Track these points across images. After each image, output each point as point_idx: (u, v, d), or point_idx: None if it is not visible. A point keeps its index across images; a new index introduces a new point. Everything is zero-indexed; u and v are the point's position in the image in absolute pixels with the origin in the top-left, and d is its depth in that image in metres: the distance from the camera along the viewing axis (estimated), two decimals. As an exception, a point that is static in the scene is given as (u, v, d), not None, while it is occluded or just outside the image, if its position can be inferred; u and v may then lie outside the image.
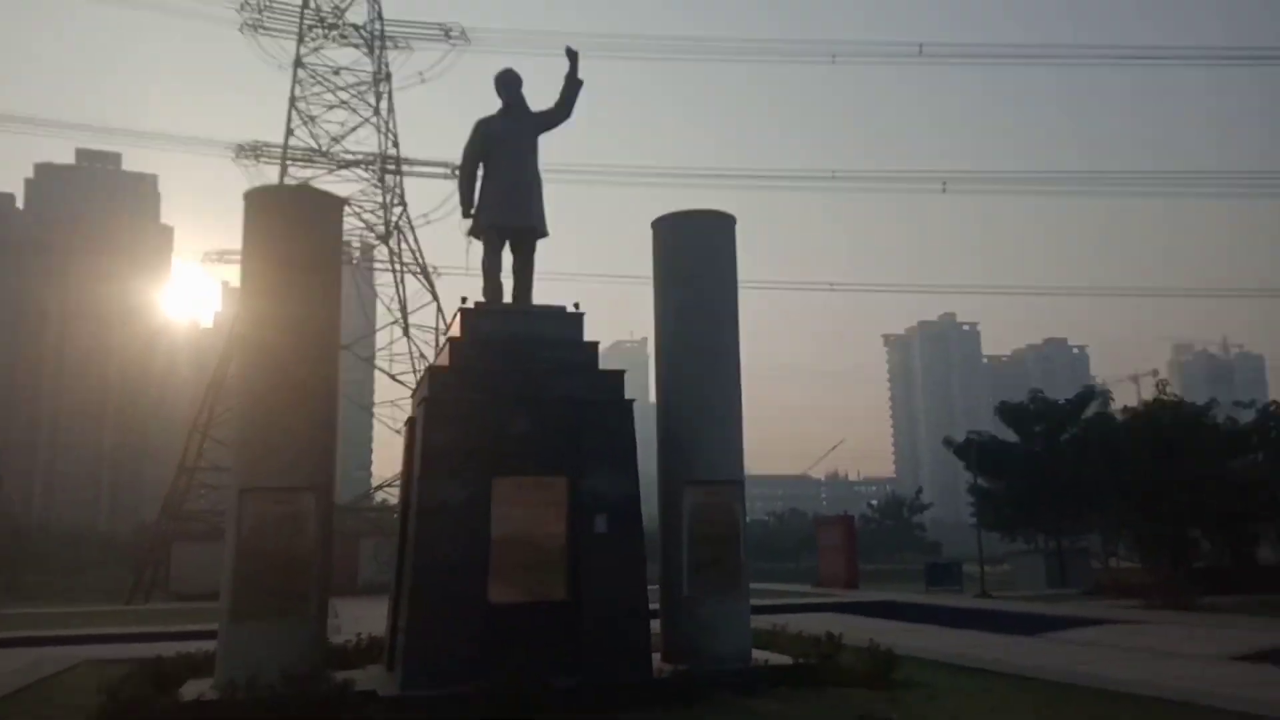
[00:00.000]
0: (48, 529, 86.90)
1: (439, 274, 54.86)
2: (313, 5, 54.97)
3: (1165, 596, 25.00)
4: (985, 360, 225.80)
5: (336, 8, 55.17)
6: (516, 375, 12.16)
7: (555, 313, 12.92)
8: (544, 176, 13.65)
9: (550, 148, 14.56)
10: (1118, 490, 31.36)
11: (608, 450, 12.12)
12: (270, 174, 52.49)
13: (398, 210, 53.46)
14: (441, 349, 13.28)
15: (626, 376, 12.78)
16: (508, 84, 13.78)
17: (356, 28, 55.30)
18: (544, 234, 13.63)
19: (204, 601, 29.13)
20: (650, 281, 14.03)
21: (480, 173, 13.66)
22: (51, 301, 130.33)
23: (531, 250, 13.62)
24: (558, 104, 13.82)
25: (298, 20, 54.80)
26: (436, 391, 11.80)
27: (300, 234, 12.30)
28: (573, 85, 13.81)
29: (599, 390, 12.45)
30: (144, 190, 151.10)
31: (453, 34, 56.57)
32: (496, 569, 11.45)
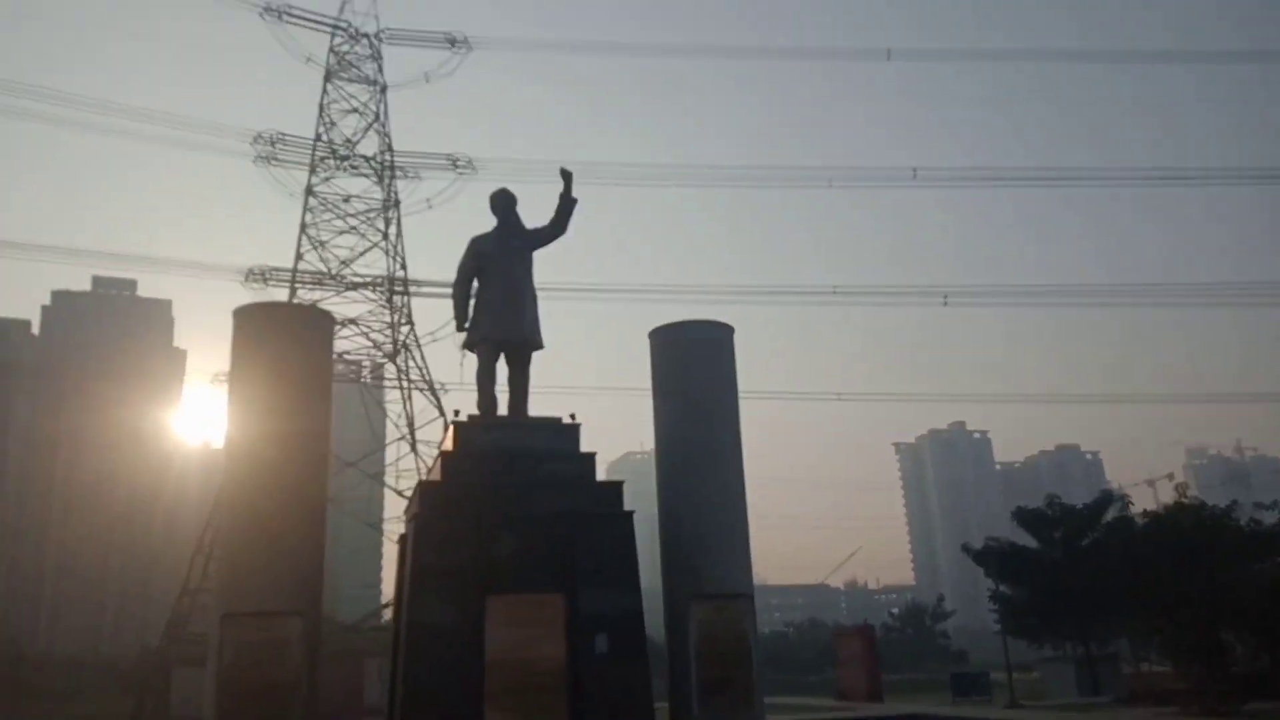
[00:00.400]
0: (51, 655, 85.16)
1: (445, 390, 54.81)
2: (325, 139, 56.55)
3: (1203, 703, 23.90)
4: (998, 467, 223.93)
5: (348, 141, 56.72)
6: (509, 490, 11.80)
7: (550, 424, 12.64)
8: (551, 292, 13.61)
9: (555, 263, 14.55)
10: (1140, 596, 30.37)
11: (607, 565, 11.66)
12: (279, 296, 53.03)
13: (405, 329, 53.73)
14: (434, 464, 12.97)
15: (637, 489, 12.42)
16: (503, 203, 13.83)
17: (367, 159, 56.68)
18: (538, 346, 13.47)
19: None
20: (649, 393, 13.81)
21: (475, 288, 13.58)
22: (62, 428, 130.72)
23: (526, 363, 13.42)
24: (552, 221, 13.83)
25: (310, 153, 56.29)
26: (426, 508, 11.44)
27: (289, 349, 12.17)
28: (567, 203, 13.82)
29: (596, 503, 12.06)
30: (158, 315, 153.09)
31: (459, 163, 57.83)
32: (491, 695, 10.86)
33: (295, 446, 11.86)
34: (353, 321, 52.61)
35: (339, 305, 53.85)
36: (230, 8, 58.82)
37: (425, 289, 56.93)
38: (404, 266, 54.88)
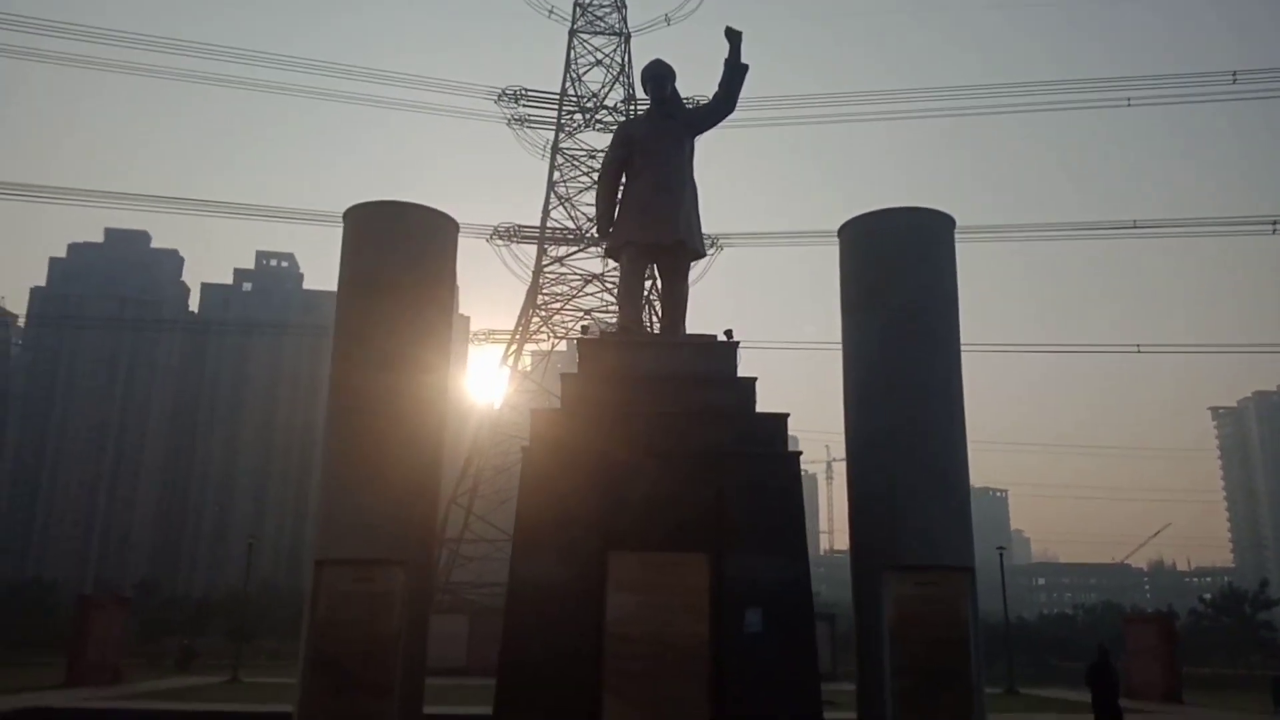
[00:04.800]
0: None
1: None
2: (572, 95, 56.15)
3: None
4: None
5: (594, 95, 55.98)
6: (644, 421, 9.37)
7: (699, 343, 10.10)
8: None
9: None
10: None
11: (764, 520, 8.99)
12: (522, 253, 53.34)
13: (648, 284, 52.49)
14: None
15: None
16: (656, 78, 11.29)
17: (610, 109, 55.72)
18: (698, 253, 10.94)
19: (448, 677, 27.76)
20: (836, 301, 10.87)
21: (624, 183, 11.22)
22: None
23: (683, 272, 10.94)
24: (716, 96, 11.19)
25: (556, 110, 56.06)
26: (540, 441, 9.24)
27: (402, 254, 10.32)
28: (735, 71, 11.12)
29: (753, 440, 9.38)
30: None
31: (709, 241, 55.77)
32: (611, 679, 8.56)
33: (404, 374, 10.02)
34: (598, 277, 51.98)
35: (586, 261, 53.46)
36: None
37: (671, 242, 55.38)
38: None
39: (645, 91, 11.40)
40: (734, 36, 11.09)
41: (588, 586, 8.71)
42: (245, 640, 42.75)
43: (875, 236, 10.59)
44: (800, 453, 9.26)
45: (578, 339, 10.19)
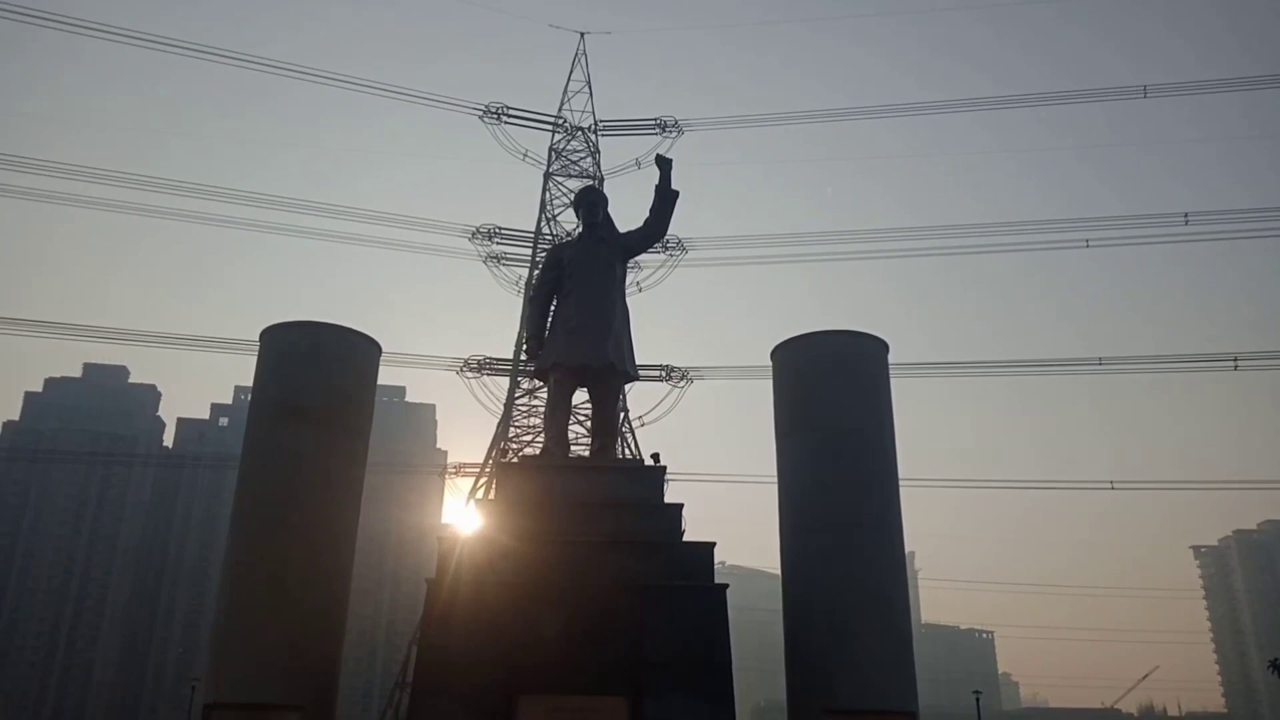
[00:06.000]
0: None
1: (666, 481, 52.52)
2: (547, 233, 57.09)
3: None
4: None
5: (569, 234, 56.94)
6: (561, 550, 8.82)
7: (624, 467, 9.68)
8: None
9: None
10: None
11: (687, 659, 8.35)
12: (497, 386, 53.13)
13: (620, 415, 52.27)
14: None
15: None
16: (588, 204, 11.18)
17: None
18: (629, 376, 10.60)
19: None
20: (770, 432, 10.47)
21: (554, 306, 10.96)
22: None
23: (613, 395, 10.57)
24: (648, 221, 11.05)
25: (531, 248, 56.93)
26: (445, 570, 8.65)
27: (316, 379, 9.90)
28: (666, 196, 11.03)
29: (677, 571, 8.82)
30: (425, 419, 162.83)
31: (669, 244, 56.78)
32: (516, 838, 7.75)
33: (312, 512, 9.48)
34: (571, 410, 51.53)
35: (557, 394, 53.10)
36: (449, 112, 61.41)
37: (646, 373, 55.46)
38: (634, 365, 53.59)
39: (577, 216, 11.27)
40: (664, 164, 11.07)
41: (493, 735, 7.97)
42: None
43: (805, 360, 10.31)
44: (726, 585, 8.68)
45: (495, 463, 9.69)
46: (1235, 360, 37.70)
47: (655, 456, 9.71)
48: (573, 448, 12.32)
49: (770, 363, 10.82)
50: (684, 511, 9.34)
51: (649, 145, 61.51)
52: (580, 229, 11.23)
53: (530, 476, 9.47)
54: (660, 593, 8.60)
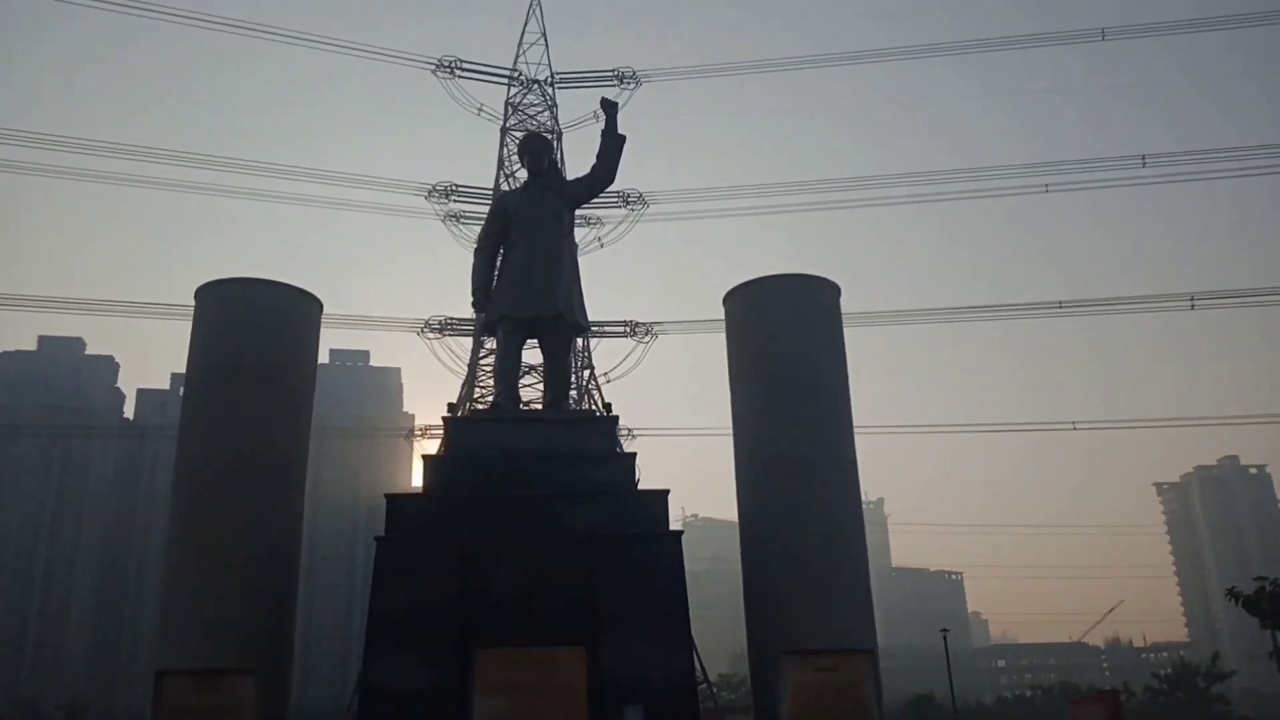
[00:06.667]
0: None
1: (632, 436, 52.57)
2: (506, 189, 56.46)
3: None
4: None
5: (527, 188, 56.39)
6: (512, 503, 8.72)
7: (575, 418, 9.55)
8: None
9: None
10: None
11: (644, 608, 8.31)
12: (456, 346, 52.72)
13: (585, 373, 52.10)
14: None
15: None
16: (532, 150, 10.95)
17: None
18: (579, 326, 10.44)
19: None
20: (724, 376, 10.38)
21: (500, 257, 10.74)
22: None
23: (563, 345, 10.41)
24: (594, 168, 10.82)
25: (489, 204, 56.33)
26: (396, 529, 8.52)
27: (255, 337, 9.68)
28: (612, 142, 10.81)
29: (632, 520, 8.75)
30: (390, 382, 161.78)
31: (630, 199, 56.35)
32: (475, 791, 7.72)
33: (255, 472, 9.28)
34: (534, 368, 51.40)
35: (524, 352, 52.85)
36: (400, 66, 60.18)
37: (608, 330, 55.29)
38: (584, 314, 53.35)
39: (521, 163, 11.02)
40: (609, 107, 10.83)
41: (452, 690, 7.91)
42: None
43: (756, 304, 10.21)
44: (681, 532, 8.63)
45: (443, 417, 9.55)
46: (1192, 299, 38.24)
47: (608, 406, 9.68)
48: (532, 404, 12.19)
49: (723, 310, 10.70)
50: (638, 461, 9.26)
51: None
52: (526, 178, 10.98)
53: (481, 430, 9.34)
54: (614, 542, 8.54)
